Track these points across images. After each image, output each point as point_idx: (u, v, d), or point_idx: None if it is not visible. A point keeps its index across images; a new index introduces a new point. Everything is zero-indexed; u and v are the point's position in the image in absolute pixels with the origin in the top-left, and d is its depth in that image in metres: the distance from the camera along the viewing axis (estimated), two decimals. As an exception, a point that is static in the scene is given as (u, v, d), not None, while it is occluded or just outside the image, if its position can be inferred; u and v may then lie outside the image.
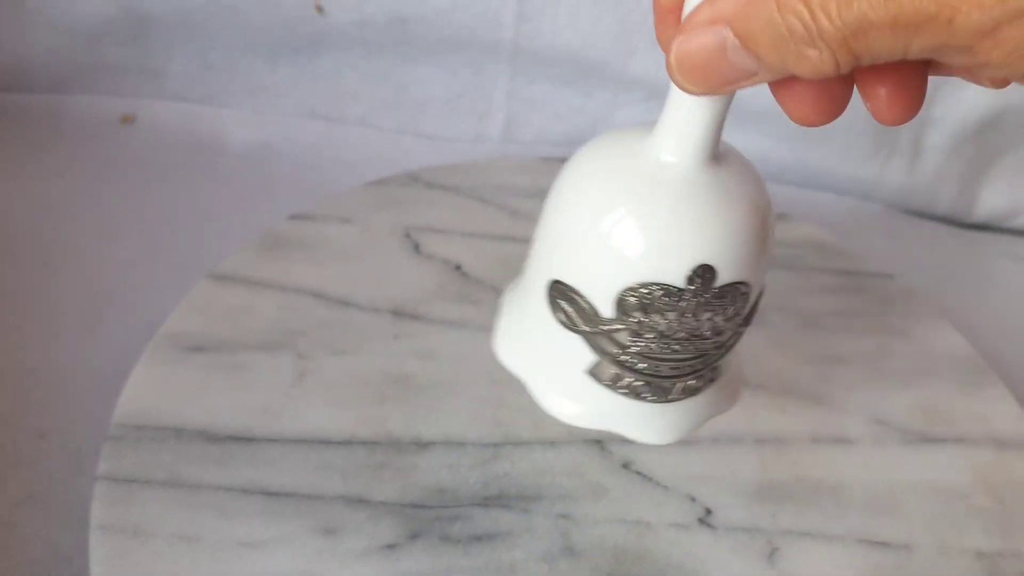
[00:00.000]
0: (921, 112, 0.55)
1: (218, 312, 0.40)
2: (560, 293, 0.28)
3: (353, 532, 0.34)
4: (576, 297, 0.27)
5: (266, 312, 0.40)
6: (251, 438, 0.36)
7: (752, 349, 0.41)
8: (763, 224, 0.27)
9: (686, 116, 0.25)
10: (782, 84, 0.22)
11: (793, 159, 0.54)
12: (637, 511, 0.36)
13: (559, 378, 0.29)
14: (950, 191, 0.55)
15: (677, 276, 0.26)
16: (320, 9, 0.49)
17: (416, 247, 0.44)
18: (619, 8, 0.49)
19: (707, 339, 0.27)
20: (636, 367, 0.28)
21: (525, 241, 0.46)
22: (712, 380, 0.29)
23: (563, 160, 0.50)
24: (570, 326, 0.28)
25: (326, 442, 0.36)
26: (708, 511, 0.36)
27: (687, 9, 0.23)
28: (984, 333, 0.47)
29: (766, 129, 0.52)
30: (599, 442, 0.37)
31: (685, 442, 0.38)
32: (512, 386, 0.39)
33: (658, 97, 0.53)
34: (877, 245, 0.52)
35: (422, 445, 0.36)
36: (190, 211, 0.48)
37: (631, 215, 0.26)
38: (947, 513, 0.37)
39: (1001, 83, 0.20)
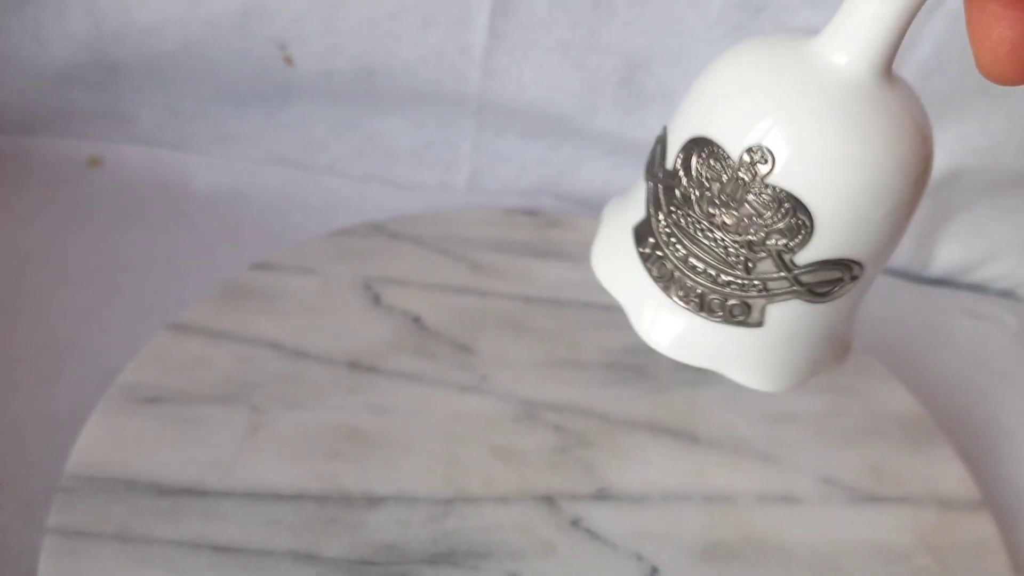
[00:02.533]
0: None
1: (175, 363, 0.40)
2: (659, 138, 0.25)
3: (300, 589, 0.34)
4: (661, 142, 0.25)
5: (222, 364, 0.40)
6: (202, 492, 0.36)
7: (703, 405, 0.42)
8: (888, 172, 0.22)
9: (864, 14, 0.22)
10: (980, 22, 0.20)
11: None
12: (584, 570, 0.36)
13: (615, 231, 0.26)
14: (907, 246, 0.56)
15: (737, 145, 0.22)
16: (289, 60, 0.50)
17: (376, 299, 0.44)
18: (583, 67, 0.50)
19: (738, 244, 0.23)
20: (666, 237, 0.24)
21: (485, 294, 0.47)
22: (734, 317, 0.24)
23: (528, 212, 0.51)
24: (647, 172, 0.25)
25: (277, 496, 0.36)
26: (654, 570, 0.36)
27: None
28: (936, 390, 0.48)
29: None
30: (549, 499, 0.38)
31: (634, 499, 0.38)
32: (465, 443, 0.39)
33: (620, 152, 0.54)
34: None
35: (373, 501, 0.37)
36: (154, 257, 0.49)
37: (748, 75, 0.23)
38: (890, 574, 0.38)
39: None
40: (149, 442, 0.37)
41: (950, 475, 0.42)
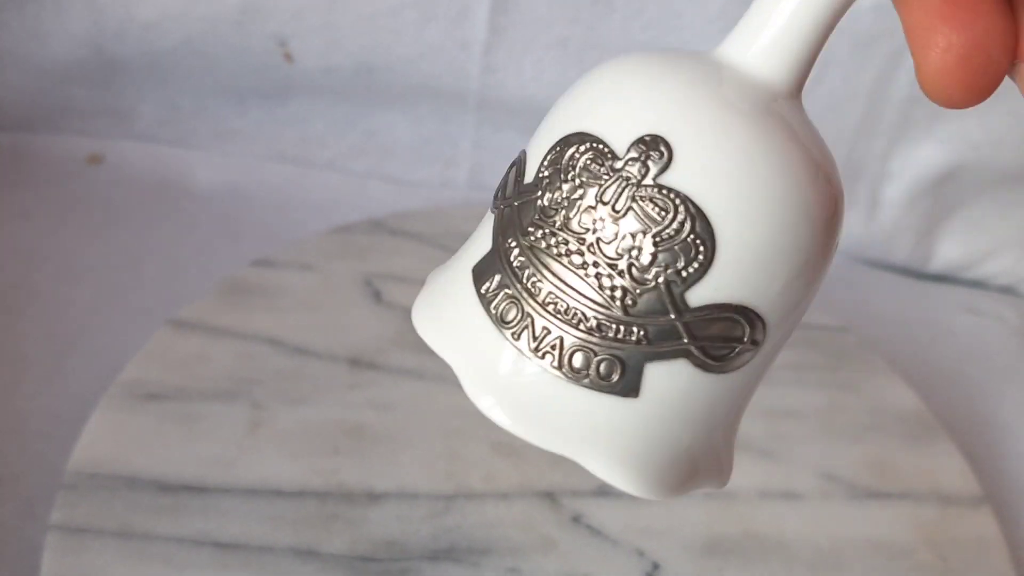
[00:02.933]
0: (878, 166, 0.57)
1: (175, 360, 0.40)
2: (513, 163, 0.21)
3: (301, 585, 0.34)
4: (519, 164, 0.20)
5: (223, 360, 0.40)
6: (203, 488, 0.36)
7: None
8: (803, 198, 0.18)
9: (782, 13, 0.18)
10: (922, 29, 0.17)
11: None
12: (585, 566, 0.36)
13: (446, 274, 0.21)
14: (907, 242, 0.56)
15: (622, 138, 0.18)
16: (289, 57, 0.50)
17: (377, 295, 0.44)
18: (582, 63, 0.49)
19: (617, 270, 0.18)
20: (519, 267, 0.19)
21: (486, 289, 0.47)
22: (604, 381, 0.18)
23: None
24: (494, 201, 0.20)
25: (278, 493, 0.36)
26: (655, 566, 0.36)
27: None
28: (937, 386, 0.48)
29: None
30: (550, 495, 0.38)
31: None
32: (465, 439, 0.39)
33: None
34: (833, 295, 0.53)
35: (374, 497, 0.37)
36: (155, 254, 0.49)
37: (631, 66, 0.19)
38: (890, 570, 0.38)
39: None
40: (150, 439, 0.37)
41: (951, 471, 0.42)
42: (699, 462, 0.20)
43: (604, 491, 0.38)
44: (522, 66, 0.50)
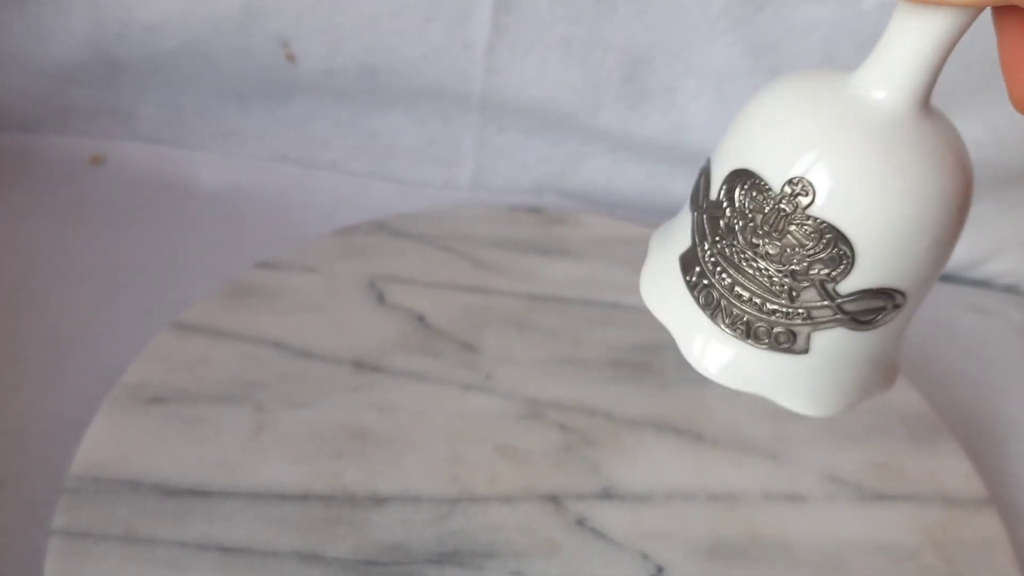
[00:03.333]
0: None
1: (178, 363, 0.40)
2: (703, 169, 0.26)
3: (306, 589, 0.34)
4: (706, 173, 0.25)
5: (226, 363, 0.40)
6: (207, 492, 0.36)
7: (708, 403, 0.42)
8: (927, 201, 0.23)
9: (905, 43, 0.22)
10: (1016, 55, 0.20)
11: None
12: (589, 569, 0.36)
13: (662, 258, 0.27)
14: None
15: (778, 178, 0.23)
16: (291, 57, 0.49)
17: (380, 297, 0.44)
18: (586, 63, 0.49)
19: (782, 273, 0.24)
20: (712, 263, 0.25)
21: (487, 292, 0.47)
22: (780, 344, 0.25)
23: (531, 209, 0.51)
24: (693, 203, 0.26)
25: (282, 496, 0.36)
26: (660, 569, 0.36)
27: None
28: (941, 386, 0.48)
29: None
30: (554, 498, 0.38)
31: (639, 498, 0.38)
32: (469, 442, 0.39)
33: (623, 149, 0.54)
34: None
35: (378, 500, 0.37)
36: (157, 255, 0.49)
37: (790, 109, 0.23)
38: (895, 573, 0.38)
39: None
40: (153, 442, 0.37)
41: (956, 472, 0.42)
42: (866, 385, 0.26)
43: (608, 494, 0.38)
44: (525, 67, 0.50)
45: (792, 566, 0.37)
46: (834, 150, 0.23)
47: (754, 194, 0.23)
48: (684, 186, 0.54)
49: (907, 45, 0.22)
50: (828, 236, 0.23)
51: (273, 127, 0.53)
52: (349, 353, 0.42)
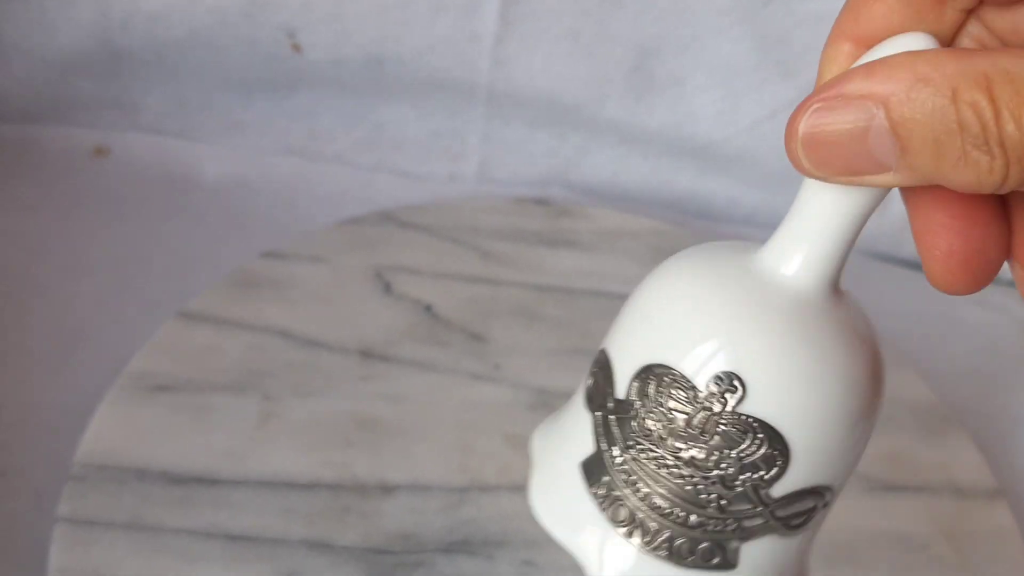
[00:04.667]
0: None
1: (185, 351, 0.40)
2: (599, 362, 0.24)
3: (315, 578, 0.33)
4: (605, 368, 0.23)
5: (233, 352, 0.40)
6: (215, 480, 0.36)
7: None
8: (852, 391, 0.21)
9: (813, 221, 0.21)
10: (929, 233, 0.19)
11: (763, 204, 0.54)
12: (600, 558, 0.36)
13: (555, 466, 0.25)
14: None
15: (701, 375, 0.21)
16: (297, 48, 0.49)
17: (387, 287, 0.44)
18: (592, 56, 0.49)
19: (710, 481, 0.21)
20: (624, 478, 0.22)
21: (495, 283, 0.47)
22: (709, 562, 0.22)
23: (538, 201, 0.51)
24: (588, 403, 0.24)
25: (290, 485, 0.36)
26: (671, 559, 0.36)
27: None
28: (949, 380, 0.47)
29: (737, 174, 0.53)
30: (564, 488, 0.37)
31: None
32: (479, 432, 0.39)
33: (630, 142, 0.54)
34: (844, 289, 0.53)
35: (387, 489, 0.36)
36: (162, 246, 0.48)
37: (698, 296, 0.22)
38: (907, 563, 0.37)
39: None
40: (160, 431, 0.37)
41: (967, 463, 0.41)
42: None
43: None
44: (532, 59, 0.49)
45: (804, 556, 0.37)
46: (757, 340, 0.21)
47: (674, 392, 0.21)
48: (690, 180, 0.54)
49: (816, 224, 0.21)
50: (761, 435, 0.21)
51: (278, 119, 0.53)
52: (357, 343, 0.41)
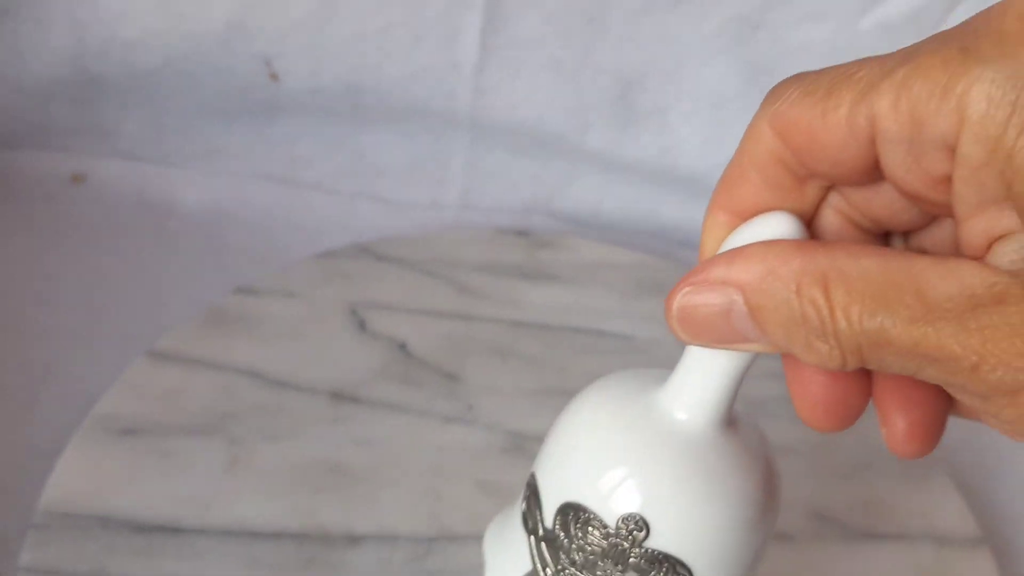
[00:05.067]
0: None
1: (153, 393, 0.39)
2: (530, 486, 0.27)
3: (277, 633, 0.33)
4: (535, 495, 0.27)
5: (201, 394, 0.39)
6: (178, 529, 0.35)
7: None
8: (745, 514, 0.24)
9: (699, 370, 0.24)
10: (796, 382, 0.22)
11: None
12: (570, 612, 0.35)
13: (503, 572, 0.28)
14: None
15: (610, 514, 0.24)
16: (275, 76, 0.48)
17: (361, 324, 0.43)
18: (576, 84, 0.48)
19: None
20: None
21: (470, 318, 0.46)
22: None
23: (519, 232, 0.50)
24: (524, 524, 0.27)
25: (255, 535, 0.35)
26: (643, 611, 0.35)
27: (720, 248, 0.22)
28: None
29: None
30: (535, 536, 0.37)
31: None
32: (449, 478, 0.38)
33: (614, 170, 0.53)
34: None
35: (354, 539, 0.36)
36: (137, 276, 0.48)
37: (603, 440, 0.25)
38: (884, 616, 0.37)
39: (1010, 434, 0.19)
40: (125, 476, 0.36)
41: (948, 510, 0.41)
42: None
43: (591, 532, 0.37)
44: (514, 87, 0.49)
45: (778, 609, 0.36)
46: (657, 483, 0.24)
47: (590, 529, 0.25)
48: (674, 210, 0.53)
49: (701, 378, 0.24)
50: (667, 564, 0.24)
51: (257, 145, 0.52)
52: (327, 383, 0.41)
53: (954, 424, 0.49)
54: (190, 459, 0.37)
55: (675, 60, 0.48)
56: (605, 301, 0.46)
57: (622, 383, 0.26)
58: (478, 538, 0.36)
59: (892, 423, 0.22)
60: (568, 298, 0.46)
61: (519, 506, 0.27)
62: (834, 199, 0.21)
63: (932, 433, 0.22)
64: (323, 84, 0.49)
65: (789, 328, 0.19)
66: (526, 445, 0.40)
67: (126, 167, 0.52)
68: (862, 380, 0.22)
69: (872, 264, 0.18)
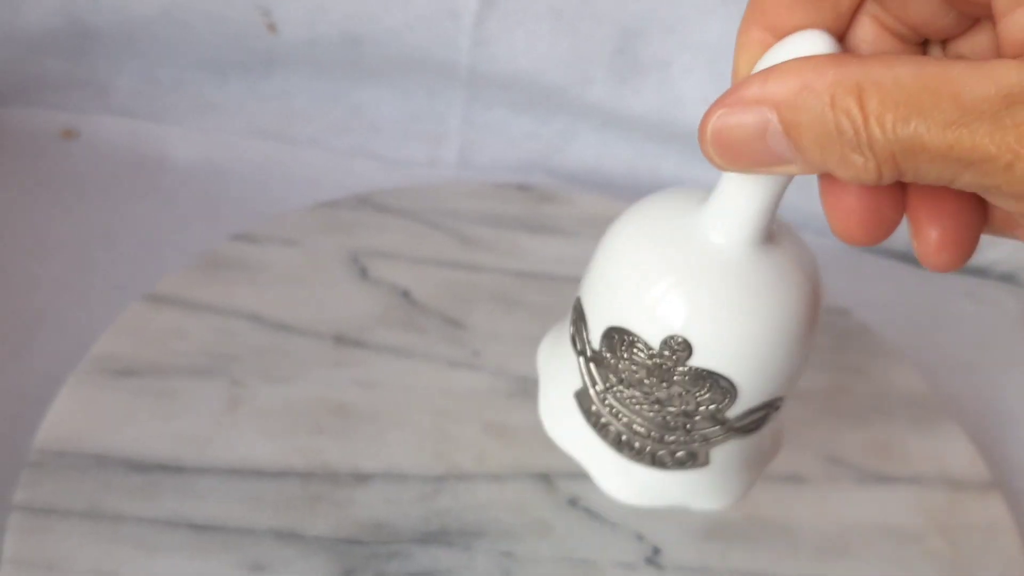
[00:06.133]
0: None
1: (150, 335, 0.38)
2: (577, 310, 0.28)
3: (283, 568, 0.32)
4: (581, 319, 0.27)
5: (200, 336, 0.38)
6: (179, 468, 0.34)
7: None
8: (783, 326, 0.25)
9: (735, 195, 0.24)
10: (830, 193, 0.21)
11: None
12: (583, 550, 0.34)
13: (556, 392, 0.29)
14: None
15: (655, 336, 0.25)
16: (272, 28, 0.48)
17: (363, 272, 0.42)
18: (576, 35, 0.48)
19: (675, 415, 0.26)
20: (608, 408, 0.27)
21: (474, 268, 0.45)
22: (685, 464, 0.28)
23: (520, 187, 0.49)
24: (573, 345, 0.28)
25: (258, 473, 0.34)
26: (656, 550, 0.35)
27: (751, 71, 0.21)
28: (939, 373, 0.46)
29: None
30: (545, 476, 0.36)
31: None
32: (456, 419, 0.38)
33: (614, 126, 0.52)
34: (834, 281, 0.51)
35: (360, 478, 0.35)
36: (130, 230, 0.46)
37: (644, 267, 0.25)
38: (900, 556, 0.36)
39: None
40: (122, 416, 0.35)
41: (960, 455, 0.40)
42: (762, 460, 0.30)
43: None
44: (514, 38, 0.48)
45: (793, 547, 0.36)
46: (698, 304, 0.24)
47: (635, 351, 0.25)
48: (675, 166, 0.53)
49: (739, 198, 0.24)
50: (710, 380, 0.25)
51: (252, 101, 0.51)
52: (330, 327, 0.40)
53: (963, 376, 0.48)
54: (190, 399, 0.36)
55: (677, 12, 0.48)
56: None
57: (662, 206, 0.26)
58: (487, 477, 0.36)
59: (925, 234, 0.21)
60: (571, 250, 0.46)
61: (567, 328, 0.28)
62: (871, 7, 0.21)
63: (964, 246, 0.21)
64: (320, 35, 0.48)
65: (824, 143, 0.18)
66: (533, 389, 0.39)
67: (119, 123, 0.51)
68: (896, 192, 0.21)
69: (907, 71, 0.17)
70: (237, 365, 0.37)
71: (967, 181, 0.17)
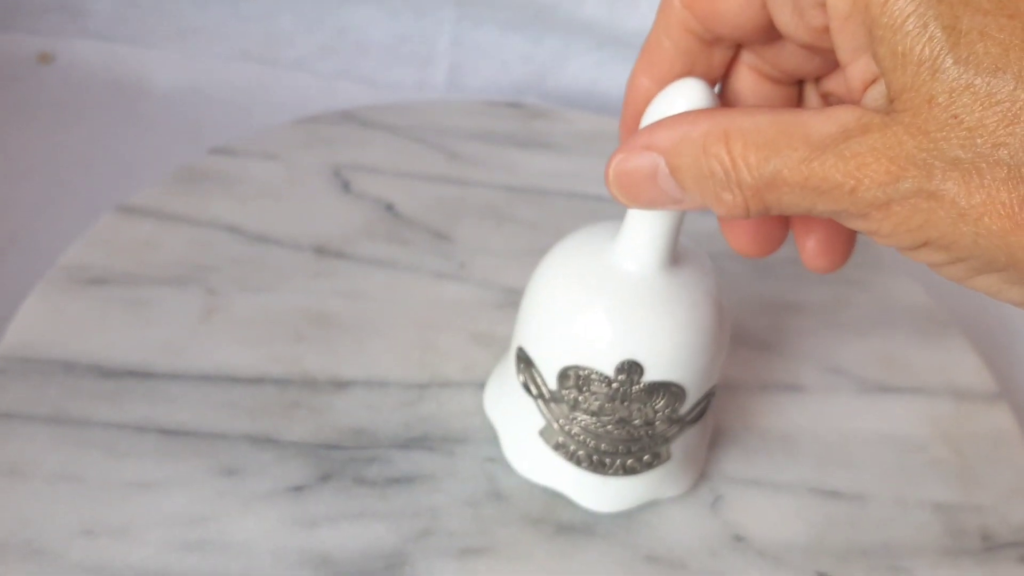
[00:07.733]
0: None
1: (123, 245, 0.37)
2: (523, 359, 0.30)
3: (257, 473, 0.31)
4: (530, 366, 0.29)
5: (175, 247, 0.37)
6: (149, 374, 0.33)
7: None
8: (707, 329, 0.28)
9: (640, 228, 0.27)
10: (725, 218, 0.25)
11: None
12: (571, 457, 0.33)
13: (518, 433, 0.31)
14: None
15: (607, 366, 0.28)
16: (251, -59, 0.46)
17: (346, 185, 0.41)
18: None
19: (638, 427, 0.29)
20: (575, 438, 0.30)
21: (463, 183, 0.44)
22: (652, 464, 0.30)
23: (511, 104, 0.48)
24: (528, 391, 0.30)
25: (233, 379, 0.33)
26: (649, 459, 0.33)
27: (643, 123, 0.24)
28: (944, 286, 0.44)
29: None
30: (533, 386, 0.35)
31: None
32: (442, 329, 0.36)
33: (611, 45, 0.50)
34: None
35: (340, 384, 0.33)
36: (107, 152, 0.45)
37: (581, 307, 0.28)
38: (904, 464, 0.35)
39: (902, 250, 0.21)
40: (92, 324, 0.34)
41: (965, 366, 0.39)
42: (709, 440, 0.33)
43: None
44: (503, -49, 0.46)
45: (792, 456, 0.34)
46: (639, 329, 0.27)
47: (592, 381, 0.28)
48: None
49: (643, 230, 0.27)
50: (663, 389, 0.28)
51: (234, 23, 0.49)
52: (311, 239, 0.38)
53: (966, 292, 0.47)
54: (163, 308, 0.35)
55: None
56: (601, 169, 0.44)
57: (579, 244, 0.29)
58: (474, 385, 0.34)
59: (804, 245, 0.25)
60: (563, 166, 0.44)
61: (516, 376, 0.30)
62: (747, 57, 0.24)
63: (839, 251, 0.25)
64: (303, -50, 0.46)
65: (701, 183, 0.21)
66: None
67: (97, 47, 0.50)
68: (781, 221, 0.25)
69: (765, 119, 0.20)
70: (214, 275, 0.36)
71: (822, 209, 0.20)
